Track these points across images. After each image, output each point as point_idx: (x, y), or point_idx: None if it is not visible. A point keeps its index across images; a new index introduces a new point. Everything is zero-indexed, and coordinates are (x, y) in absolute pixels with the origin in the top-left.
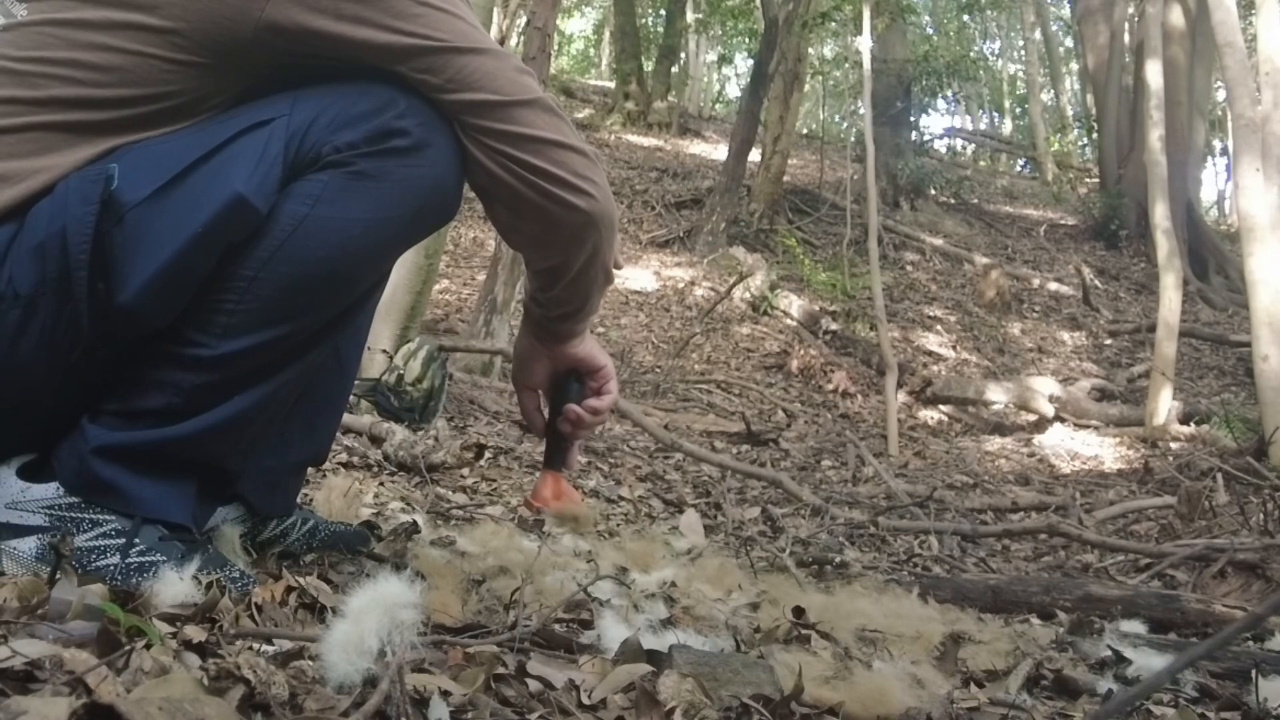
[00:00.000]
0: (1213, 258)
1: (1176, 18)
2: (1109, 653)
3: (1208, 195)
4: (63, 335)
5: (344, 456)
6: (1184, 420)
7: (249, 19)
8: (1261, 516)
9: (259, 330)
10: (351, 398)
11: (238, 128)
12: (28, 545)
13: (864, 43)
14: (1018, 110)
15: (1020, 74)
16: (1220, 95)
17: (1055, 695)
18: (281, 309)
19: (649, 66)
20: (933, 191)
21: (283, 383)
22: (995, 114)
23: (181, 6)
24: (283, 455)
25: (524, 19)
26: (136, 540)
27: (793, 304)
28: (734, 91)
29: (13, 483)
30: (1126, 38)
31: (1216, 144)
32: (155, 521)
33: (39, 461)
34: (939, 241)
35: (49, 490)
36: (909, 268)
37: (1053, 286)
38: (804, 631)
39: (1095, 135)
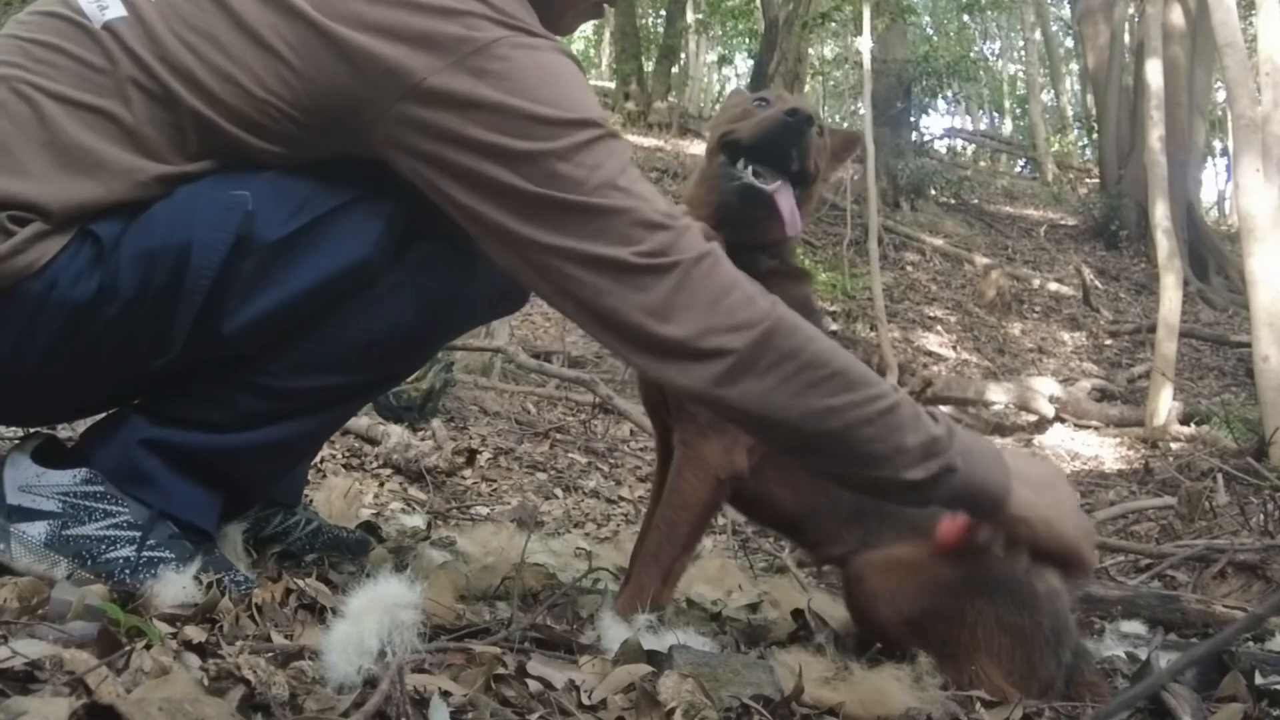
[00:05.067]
0: (1213, 258)
1: (1176, 18)
2: (1121, 655)
3: (1208, 195)
4: (150, 342)
5: (344, 457)
6: (1184, 420)
7: (385, 102)
8: (1262, 517)
9: (329, 373)
10: None
11: (370, 185)
12: (37, 530)
13: (864, 43)
14: (1018, 110)
15: (1020, 74)
16: (1220, 95)
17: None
18: (356, 359)
19: (649, 67)
20: (933, 192)
21: (330, 419)
22: (995, 114)
23: (321, 67)
24: None
25: None
26: (151, 537)
27: None
28: None
29: (28, 466)
30: (1126, 38)
31: (1216, 144)
32: (166, 518)
33: (55, 447)
34: (939, 242)
35: (65, 477)
36: (909, 268)
37: (1053, 287)
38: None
39: (1095, 135)
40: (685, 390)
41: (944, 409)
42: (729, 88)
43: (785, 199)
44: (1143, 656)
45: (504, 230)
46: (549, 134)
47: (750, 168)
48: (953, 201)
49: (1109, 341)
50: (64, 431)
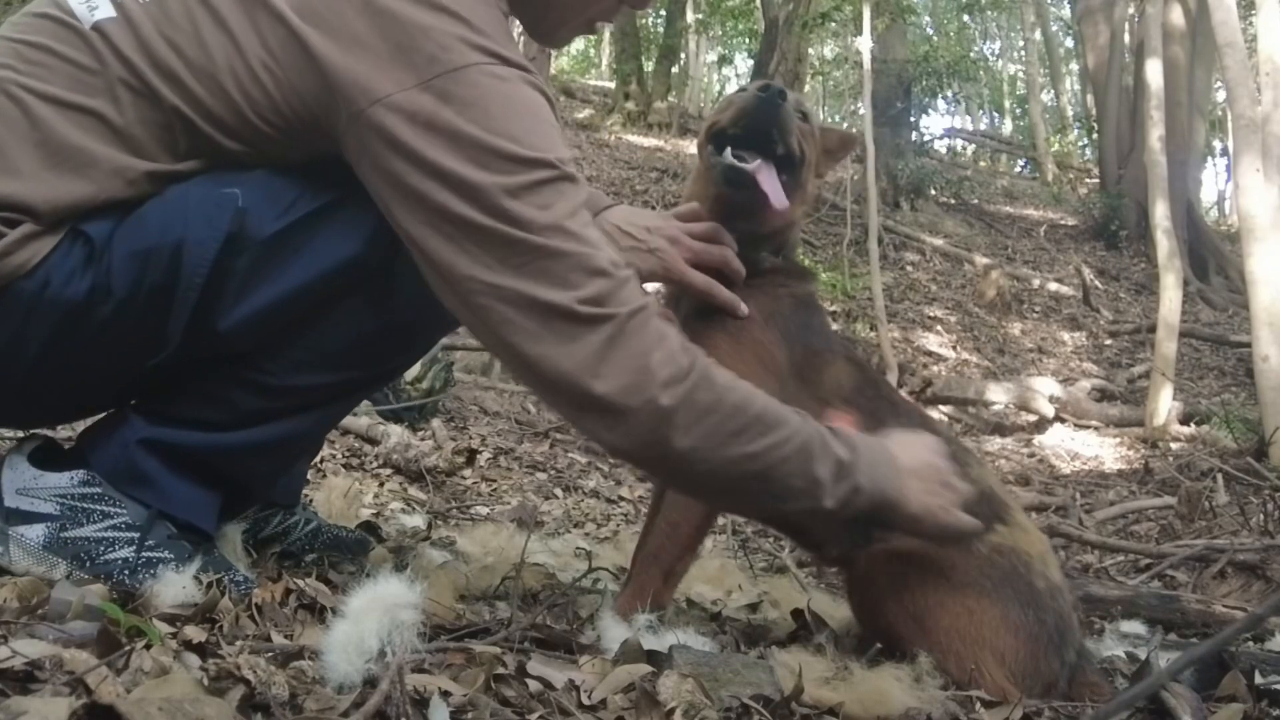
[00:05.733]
0: (1213, 258)
1: (1176, 18)
2: (1121, 655)
3: (1208, 195)
4: (144, 341)
5: (344, 457)
6: (1184, 420)
7: (347, 111)
8: (1261, 517)
9: (327, 370)
10: None
11: (359, 182)
12: (35, 533)
13: (864, 43)
14: (1018, 110)
15: (1020, 74)
16: (1220, 95)
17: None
18: (353, 355)
19: (649, 67)
20: (933, 192)
21: (328, 416)
22: (995, 114)
23: (295, 68)
24: None
25: None
26: (149, 538)
27: None
28: None
29: (25, 469)
30: (1126, 38)
31: (1216, 144)
32: (165, 518)
33: (52, 449)
34: (939, 242)
35: (63, 479)
36: (909, 268)
37: (1053, 287)
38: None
39: (1095, 135)
40: (611, 447)
41: (944, 409)
42: (729, 88)
43: (767, 177)
44: (1143, 656)
45: (446, 264)
46: (504, 168)
47: (732, 151)
48: (953, 201)
49: (1109, 341)
50: (62, 432)
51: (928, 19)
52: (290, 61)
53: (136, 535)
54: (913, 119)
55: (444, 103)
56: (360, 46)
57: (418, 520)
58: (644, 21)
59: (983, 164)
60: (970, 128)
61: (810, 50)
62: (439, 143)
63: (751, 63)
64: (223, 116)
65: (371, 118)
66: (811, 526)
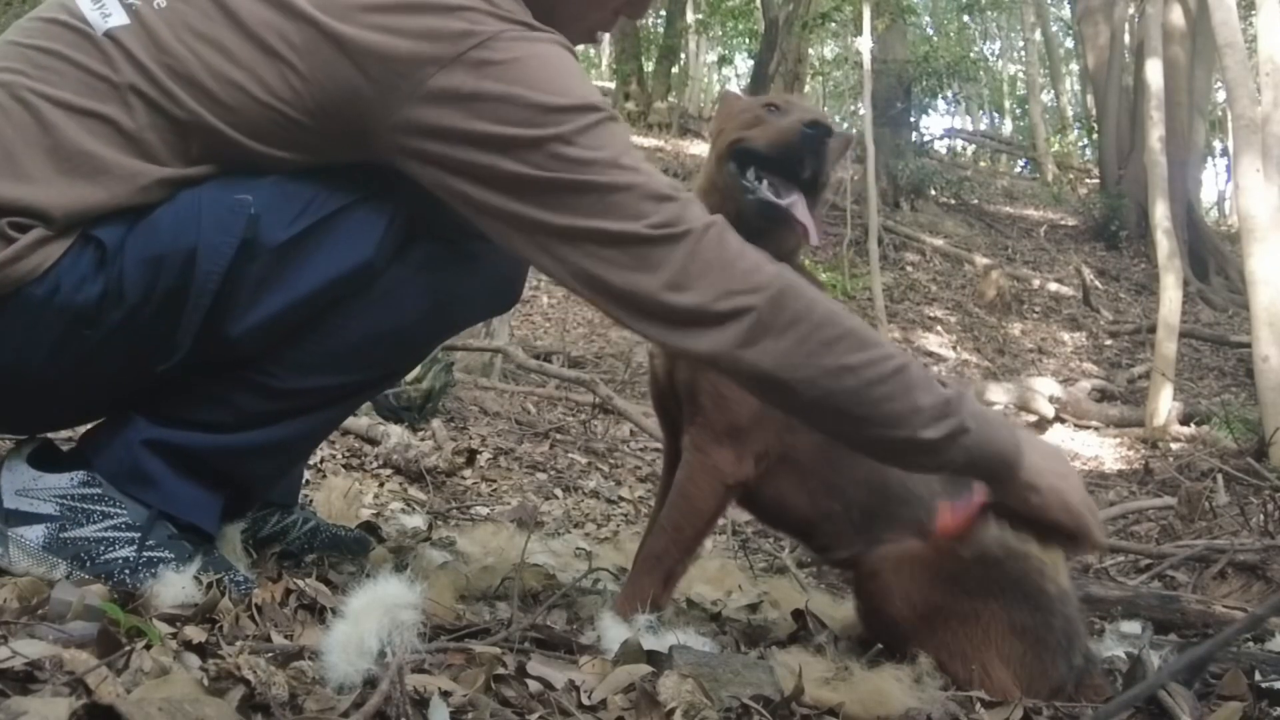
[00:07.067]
0: (1213, 258)
1: (1176, 18)
2: (1121, 655)
3: (1208, 195)
4: (155, 346)
5: (344, 457)
6: (1184, 421)
7: (392, 105)
8: (1262, 517)
9: (330, 373)
10: None
11: (370, 186)
12: (35, 534)
13: (864, 43)
14: (1018, 111)
15: (1020, 74)
16: (1220, 95)
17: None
18: (356, 358)
19: (649, 67)
20: (933, 192)
21: (330, 418)
22: (995, 114)
23: (322, 65)
24: None
25: None
26: (150, 538)
27: None
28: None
29: (24, 470)
30: (1126, 38)
31: (1216, 144)
32: (166, 519)
33: (51, 451)
34: (939, 242)
35: (62, 480)
36: (909, 268)
37: (1053, 287)
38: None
39: (1095, 135)
40: (706, 356)
41: None
42: (729, 88)
43: (802, 211)
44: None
45: (517, 218)
46: (553, 120)
47: (765, 180)
48: (953, 202)
49: (1109, 341)
50: (60, 435)
51: (928, 19)
52: (317, 58)
53: (137, 535)
54: (913, 119)
55: (482, 73)
56: (390, 32)
57: (418, 520)
58: (644, 22)
59: (983, 164)
60: (970, 128)
61: (810, 50)
62: (485, 113)
63: (751, 63)
64: (250, 120)
65: (412, 109)
66: (919, 465)
